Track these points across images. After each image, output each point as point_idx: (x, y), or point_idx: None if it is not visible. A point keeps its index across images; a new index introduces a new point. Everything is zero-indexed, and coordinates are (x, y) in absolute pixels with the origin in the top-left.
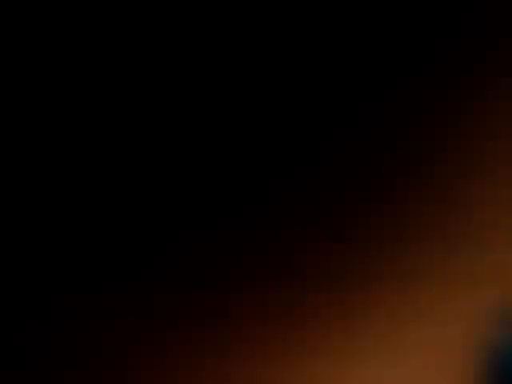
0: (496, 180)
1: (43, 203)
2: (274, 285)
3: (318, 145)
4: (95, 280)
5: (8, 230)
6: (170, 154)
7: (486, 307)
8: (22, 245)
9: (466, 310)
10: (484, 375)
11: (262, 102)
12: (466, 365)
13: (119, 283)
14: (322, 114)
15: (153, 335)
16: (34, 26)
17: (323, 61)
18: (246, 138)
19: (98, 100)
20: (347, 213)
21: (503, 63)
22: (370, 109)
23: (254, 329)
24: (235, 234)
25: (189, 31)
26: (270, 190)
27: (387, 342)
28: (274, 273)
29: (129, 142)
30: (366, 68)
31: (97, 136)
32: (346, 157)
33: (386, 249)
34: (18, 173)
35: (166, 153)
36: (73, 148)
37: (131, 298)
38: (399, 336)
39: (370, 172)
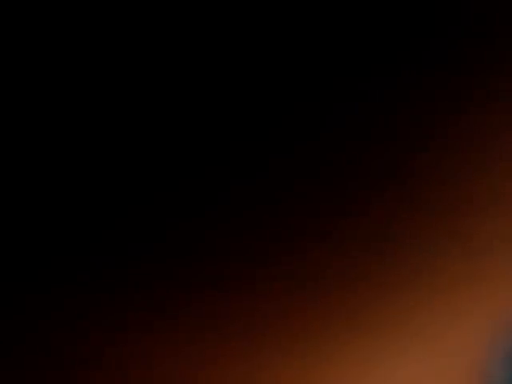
0: (497, 182)
1: (36, 199)
2: (275, 284)
3: (316, 148)
4: (91, 278)
5: (6, 227)
6: (167, 158)
7: (493, 314)
8: (17, 243)
9: (473, 315)
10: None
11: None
12: (473, 373)
13: (118, 281)
14: (320, 114)
15: (151, 335)
16: (33, 26)
17: (321, 59)
18: (242, 137)
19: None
20: (349, 213)
21: (503, 63)
22: (369, 109)
23: (254, 328)
24: (235, 235)
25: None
26: (269, 191)
27: (392, 347)
28: (274, 272)
29: (129, 142)
30: (365, 68)
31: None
32: (345, 158)
33: (389, 254)
34: (16, 171)
35: (164, 156)
36: (67, 145)
37: (130, 297)
38: (407, 338)
39: (370, 172)
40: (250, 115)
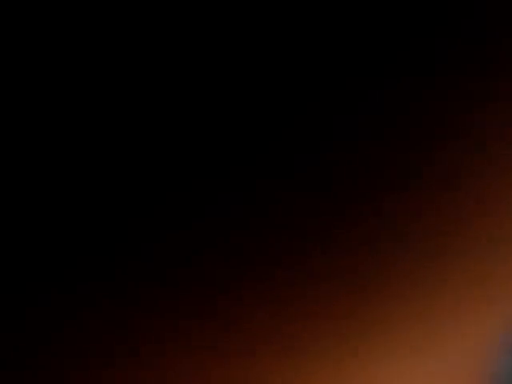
0: (498, 181)
1: (37, 199)
2: (276, 282)
3: (317, 149)
4: (94, 278)
5: (6, 228)
6: (167, 158)
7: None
8: (19, 243)
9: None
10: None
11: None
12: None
13: (120, 281)
14: (320, 114)
15: (151, 335)
16: (34, 26)
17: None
18: (241, 136)
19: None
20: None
21: (503, 63)
22: (369, 110)
23: (252, 328)
24: (236, 236)
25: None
26: (268, 190)
27: (394, 346)
28: (274, 270)
29: (129, 143)
30: (365, 68)
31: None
32: (347, 159)
33: (393, 252)
34: (16, 172)
35: (164, 157)
36: (66, 146)
37: (130, 297)
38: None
39: (371, 171)
40: (252, 118)
